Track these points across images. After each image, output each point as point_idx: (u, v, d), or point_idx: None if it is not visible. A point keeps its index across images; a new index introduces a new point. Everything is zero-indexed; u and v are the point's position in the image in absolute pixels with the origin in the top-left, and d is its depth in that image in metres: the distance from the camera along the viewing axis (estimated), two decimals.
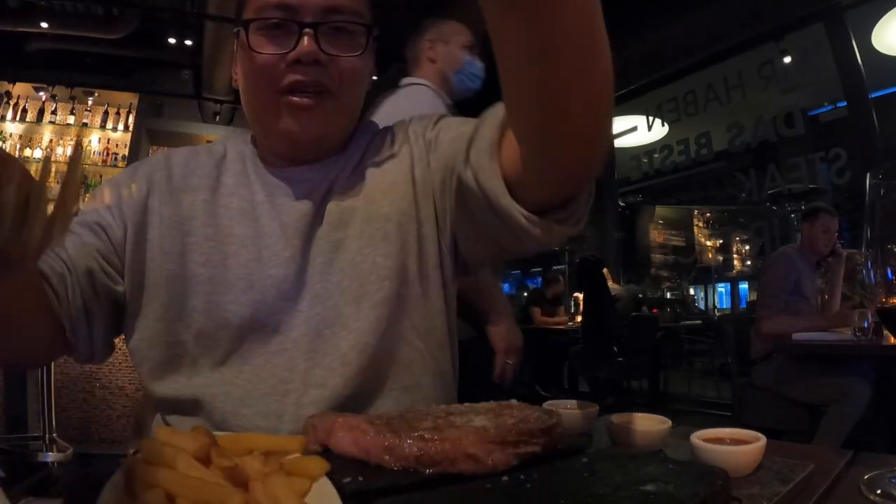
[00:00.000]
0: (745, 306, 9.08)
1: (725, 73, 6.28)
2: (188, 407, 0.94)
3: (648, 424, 0.76)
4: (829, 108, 5.67)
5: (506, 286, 12.81)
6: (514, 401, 0.77)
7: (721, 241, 9.05)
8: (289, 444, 0.60)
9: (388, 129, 1.11)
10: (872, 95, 4.92)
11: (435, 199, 1.02)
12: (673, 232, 9.29)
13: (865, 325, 2.66)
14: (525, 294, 9.55)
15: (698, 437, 0.67)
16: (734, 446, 0.65)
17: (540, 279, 9.33)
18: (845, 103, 5.15)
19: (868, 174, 0.64)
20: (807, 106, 5.61)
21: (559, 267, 10.51)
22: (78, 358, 0.95)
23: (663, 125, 7.27)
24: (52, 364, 3.05)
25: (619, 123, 7.66)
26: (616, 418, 0.77)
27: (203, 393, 0.93)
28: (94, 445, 3.41)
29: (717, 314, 8.94)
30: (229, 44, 5.16)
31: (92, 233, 0.95)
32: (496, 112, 0.85)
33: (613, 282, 6.39)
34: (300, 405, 0.90)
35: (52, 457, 2.73)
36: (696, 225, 9.19)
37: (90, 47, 6.44)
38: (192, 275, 0.95)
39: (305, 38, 0.92)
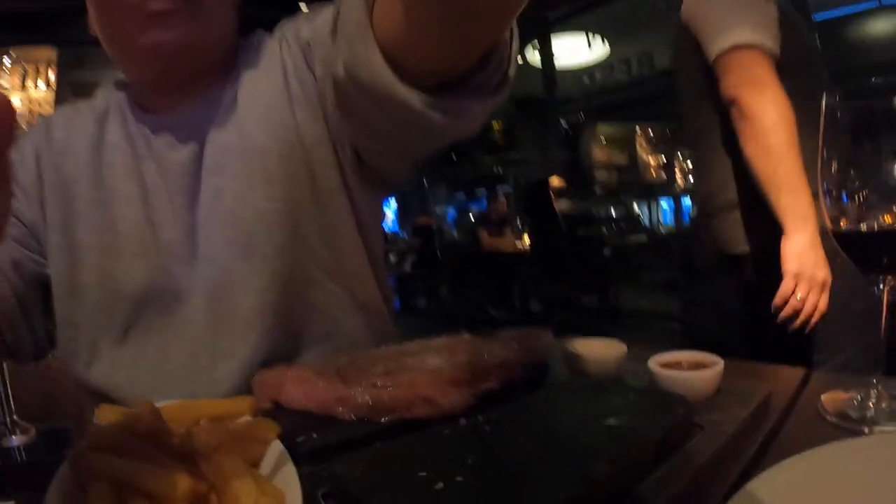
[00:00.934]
0: (688, 221, 9.28)
1: None
2: (98, 398, 0.85)
3: (604, 350, 0.75)
4: None
5: (450, 209, 12.83)
6: (467, 335, 0.75)
7: (664, 159, 9.15)
8: (238, 407, 0.58)
9: (263, 39, 0.94)
10: (816, 19, 4.93)
11: (325, 112, 0.86)
12: (616, 150, 9.35)
13: None
14: (470, 216, 9.59)
15: (656, 363, 0.67)
16: (693, 371, 0.64)
17: (485, 200, 9.37)
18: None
19: (824, 94, 0.62)
20: None
21: (502, 186, 10.55)
22: (24, 359, 0.89)
23: (604, 43, 7.22)
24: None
25: (561, 43, 7.58)
26: (571, 346, 0.76)
27: (108, 382, 0.85)
28: (59, 420, 3.33)
29: (663, 231, 9.14)
30: None
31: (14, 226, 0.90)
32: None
33: (563, 197, 6.43)
34: (213, 382, 0.81)
35: (15, 441, 2.65)
36: (639, 143, 9.25)
37: None
38: (81, 244, 0.87)
39: None
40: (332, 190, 0.88)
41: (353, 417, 0.58)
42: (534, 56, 7.90)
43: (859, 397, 0.63)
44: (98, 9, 0.83)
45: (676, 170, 9.03)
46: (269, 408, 0.63)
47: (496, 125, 9.73)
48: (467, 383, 0.60)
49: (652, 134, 9.19)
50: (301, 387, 0.62)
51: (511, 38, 0.69)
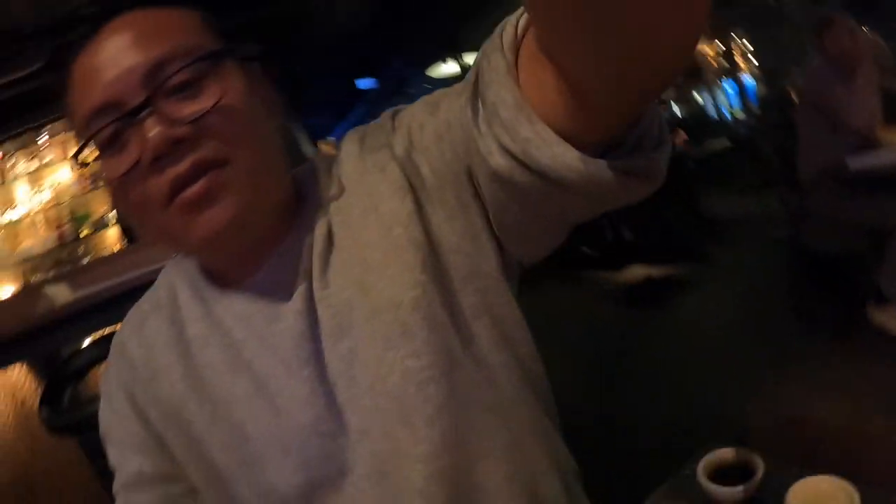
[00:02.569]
0: (755, 102, 8.84)
1: None
2: None
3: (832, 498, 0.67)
4: None
5: None
6: None
7: (721, 45, 8.69)
8: None
9: (336, 165, 0.82)
10: None
11: (453, 213, 0.74)
12: None
13: None
14: None
15: None
16: None
17: None
18: None
19: None
20: None
21: None
22: None
23: None
24: None
25: None
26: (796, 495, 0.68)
27: None
28: None
29: (733, 117, 8.72)
30: None
31: (153, 486, 0.84)
32: (497, 41, 0.60)
33: None
34: None
35: None
36: None
37: (15, 90, 6.10)
38: (221, 467, 0.79)
39: (147, 124, 0.66)
40: (476, 308, 0.76)
41: None
42: None
43: None
44: (128, 212, 0.73)
45: (735, 53, 8.59)
46: None
47: None
48: None
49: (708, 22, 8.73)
50: None
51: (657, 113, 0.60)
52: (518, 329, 0.81)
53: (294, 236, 0.78)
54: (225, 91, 0.69)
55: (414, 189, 0.74)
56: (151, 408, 0.83)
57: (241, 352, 0.78)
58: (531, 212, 0.68)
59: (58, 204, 6.24)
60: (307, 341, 0.75)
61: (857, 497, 0.67)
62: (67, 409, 2.31)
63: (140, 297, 0.92)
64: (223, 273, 0.81)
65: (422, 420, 0.72)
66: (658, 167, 0.60)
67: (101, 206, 6.28)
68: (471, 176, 0.72)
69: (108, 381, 0.88)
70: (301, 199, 0.81)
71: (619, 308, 5.06)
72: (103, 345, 2.29)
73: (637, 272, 5.75)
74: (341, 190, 0.79)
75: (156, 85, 0.67)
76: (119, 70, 0.67)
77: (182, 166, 0.66)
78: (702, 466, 0.91)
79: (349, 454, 0.75)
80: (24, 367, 3.25)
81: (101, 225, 6.23)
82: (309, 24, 6.00)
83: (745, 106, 9.14)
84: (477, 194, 0.73)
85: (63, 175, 6.39)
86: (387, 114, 0.80)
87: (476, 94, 0.63)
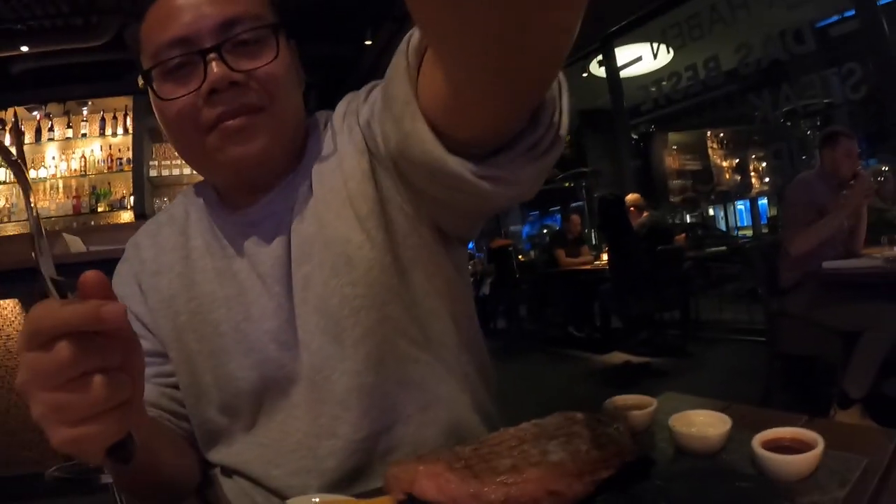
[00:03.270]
0: (765, 221, 9.06)
1: None
2: (230, 472, 0.96)
3: (709, 427, 0.79)
4: (837, 18, 5.54)
5: (525, 227, 12.86)
6: (578, 414, 0.80)
7: (737, 161, 8.96)
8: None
9: (329, 123, 0.99)
10: (881, 2, 4.79)
11: (396, 185, 0.90)
12: (688, 156, 9.21)
13: None
14: (546, 233, 9.56)
15: (759, 444, 0.70)
16: (794, 456, 0.68)
17: (559, 217, 9.33)
18: (854, 12, 5.02)
19: None
20: (814, 18, 5.48)
21: (577, 204, 10.49)
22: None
23: (669, 51, 7.14)
24: None
25: (624, 54, 7.54)
26: (676, 423, 0.80)
27: (238, 461, 0.94)
28: (16, 468, 3.42)
29: (739, 233, 8.91)
30: None
31: (151, 362, 0.97)
32: (404, 45, 0.70)
33: (644, 211, 6.35)
34: (318, 458, 0.88)
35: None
36: (711, 147, 9.09)
37: (75, 58, 6.38)
38: (193, 353, 0.95)
39: (212, 65, 0.84)
40: (414, 260, 0.92)
41: None
42: (598, 70, 7.89)
43: None
44: (170, 128, 0.90)
45: (751, 171, 8.83)
46: (403, 500, 0.70)
47: (565, 139, 9.67)
48: (589, 473, 0.65)
49: (724, 137, 9.01)
50: (434, 480, 0.68)
51: (560, 93, 0.69)
52: (454, 287, 0.97)
53: (291, 178, 0.96)
54: (274, 56, 0.88)
55: (370, 152, 0.90)
56: (152, 295, 0.99)
57: (232, 264, 0.95)
58: (427, 195, 0.84)
59: (82, 175, 6.45)
60: (282, 265, 0.92)
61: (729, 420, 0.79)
62: None
63: None
64: (232, 199, 0.99)
65: (350, 340, 0.87)
66: (517, 178, 0.71)
67: (123, 187, 6.52)
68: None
69: (119, 276, 1.05)
70: (304, 147, 0.99)
71: (595, 386, 5.17)
72: None
73: (618, 357, 5.89)
74: (325, 144, 0.96)
75: (226, 37, 0.85)
76: (197, 15, 0.86)
77: (231, 104, 0.85)
78: None
79: (296, 364, 0.91)
80: (17, 304, 3.34)
81: (119, 206, 6.44)
82: None
83: (753, 224, 9.36)
84: None
85: (94, 149, 6.64)
86: (368, 85, 0.96)
87: (385, 93, 0.77)
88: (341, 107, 0.99)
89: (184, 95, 0.85)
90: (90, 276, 0.55)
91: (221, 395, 0.93)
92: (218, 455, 0.96)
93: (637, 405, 0.88)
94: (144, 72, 0.88)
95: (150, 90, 0.89)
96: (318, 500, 0.70)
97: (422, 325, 0.93)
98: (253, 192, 0.96)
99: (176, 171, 6.72)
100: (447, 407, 0.93)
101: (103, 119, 6.71)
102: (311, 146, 0.98)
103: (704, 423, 0.80)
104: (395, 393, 0.90)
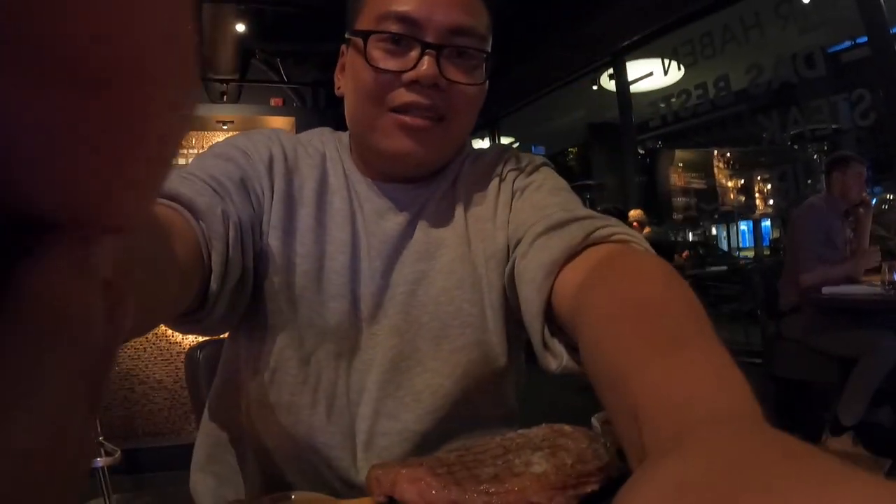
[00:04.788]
0: (767, 243, 9.05)
1: (742, 13, 6.12)
2: (257, 408, 0.92)
3: None
4: (849, 44, 5.53)
5: None
6: (566, 427, 0.79)
7: (742, 182, 8.96)
8: None
9: (482, 155, 1.04)
10: (894, 30, 4.78)
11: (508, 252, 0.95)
12: (693, 175, 9.19)
13: (895, 278, 2.66)
14: None
15: None
16: None
17: None
18: (866, 39, 5.01)
19: None
20: (826, 43, 5.47)
21: None
22: (197, 324, 0.81)
23: (680, 68, 7.13)
24: None
25: (635, 69, 7.53)
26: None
27: (291, 401, 0.90)
28: (140, 440, 3.51)
29: (741, 254, 8.90)
30: (228, 23, 5.09)
31: (241, 191, 0.88)
32: (579, 230, 0.79)
33: (647, 227, 6.35)
34: (372, 434, 0.90)
35: (101, 462, 2.82)
36: (717, 166, 9.08)
37: None
38: (297, 258, 0.90)
39: (427, 59, 0.86)
40: (502, 311, 0.96)
41: None
42: (609, 83, 7.88)
43: None
44: (356, 90, 0.91)
45: (755, 192, 8.82)
46: (384, 502, 0.69)
47: (572, 151, 9.70)
48: (572, 487, 0.64)
49: (730, 157, 9.01)
50: (415, 485, 0.67)
51: None
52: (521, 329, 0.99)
53: (430, 181, 1.00)
54: (476, 81, 0.92)
55: (509, 214, 0.97)
56: (280, 179, 0.94)
57: (355, 216, 0.96)
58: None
59: None
60: (393, 246, 0.94)
61: None
62: None
63: None
64: (370, 167, 0.99)
65: (449, 348, 0.93)
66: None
67: None
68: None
69: (252, 136, 0.98)
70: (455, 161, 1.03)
71: (586, 399, 5.11)
72: None
73: None
74: (472, 173, 1.02)
75: (451, 42, 0.88)
76: (436, 5, 0.87)
77: (425, 100, 0.87)
78: None
79: (370, 339, 0.93)
80: None
81: None
82: None
83: (755, 245, 9.35)
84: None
85: None
86: (538, 158, 1.05)
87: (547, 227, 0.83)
88: (494, 153, 1.04)
89: (389, 70, 0.87)
90: None
91: (300, 315, 0.90)
92: (264, 386, 0.91)
93: None
94: (363, 32, 0.88)
95: (359, 49, 0.88)
96: (294, 496, 0.68)
97: (503, 351, 0.97)
98: (392, 176, 0.99)
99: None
100: (485, 429, 0.98)
101: None
102: (456, 164, 1.02)
103: None
104: (461, 408, 0.95)
